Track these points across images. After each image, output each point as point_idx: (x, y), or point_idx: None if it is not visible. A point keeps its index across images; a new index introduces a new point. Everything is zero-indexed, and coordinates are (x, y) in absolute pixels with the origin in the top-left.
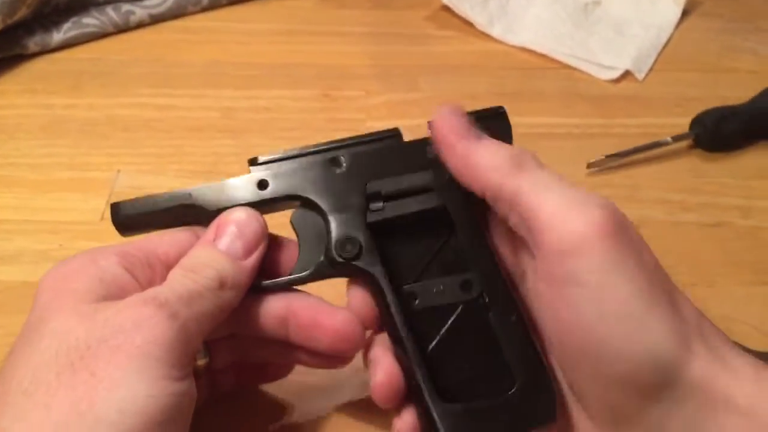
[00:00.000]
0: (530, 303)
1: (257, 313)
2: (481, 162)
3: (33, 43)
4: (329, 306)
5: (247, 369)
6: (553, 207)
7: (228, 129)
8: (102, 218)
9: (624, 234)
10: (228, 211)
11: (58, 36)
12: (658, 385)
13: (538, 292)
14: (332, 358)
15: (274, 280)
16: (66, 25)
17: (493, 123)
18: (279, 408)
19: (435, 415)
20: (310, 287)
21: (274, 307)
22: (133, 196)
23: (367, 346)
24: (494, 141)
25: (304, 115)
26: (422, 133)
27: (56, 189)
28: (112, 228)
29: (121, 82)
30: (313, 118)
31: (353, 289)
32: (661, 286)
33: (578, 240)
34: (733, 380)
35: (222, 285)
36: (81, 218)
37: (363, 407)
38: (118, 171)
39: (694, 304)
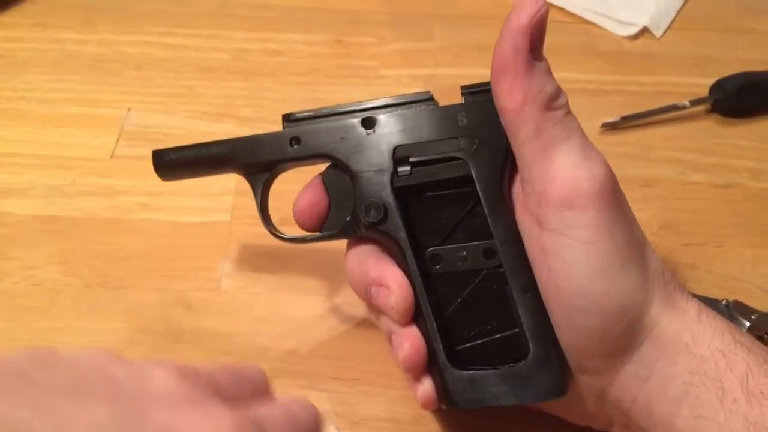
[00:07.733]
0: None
1: None
2: (531, 87)
3: None
4: None
5: None
6: (565, 158)
7: (239, 71)
8: (112, 156)
9: (617, 195)
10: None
11: None
12: (627, 335)
13: (530, 233)
14: None
15: (301, 235)
16: None
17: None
18: None
19: (447, 379)
20: None
21: None
22: (143, 136)
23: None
24: (547, 70)
25: (316, 60)
26: (434, 83)
27: (66, 124)
28: (122, 166)
29: (131, 19)
30: (325, 63)
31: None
32: (637, 241)
33: (579, 195)
34: (680, 321)
35: None
36: (91, 155)
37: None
38: (129, 109)
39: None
